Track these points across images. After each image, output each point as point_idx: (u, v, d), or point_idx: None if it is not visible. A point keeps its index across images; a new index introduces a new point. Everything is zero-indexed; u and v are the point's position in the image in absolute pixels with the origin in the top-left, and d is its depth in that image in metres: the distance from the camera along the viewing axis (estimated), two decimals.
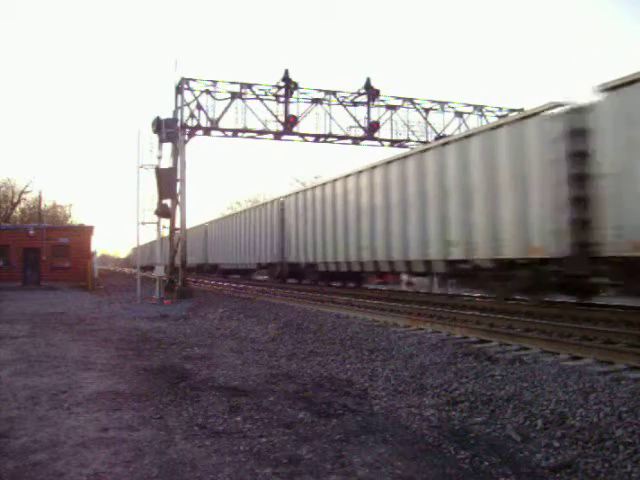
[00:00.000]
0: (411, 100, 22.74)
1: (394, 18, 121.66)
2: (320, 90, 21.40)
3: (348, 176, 18.63)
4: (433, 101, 23.18)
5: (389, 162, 16.48)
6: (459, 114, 23.38)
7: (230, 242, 32.89)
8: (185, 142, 20.08)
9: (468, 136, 13.39)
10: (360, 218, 17.62)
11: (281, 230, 24.44)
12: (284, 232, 24.16)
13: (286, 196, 24.86)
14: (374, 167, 17.23)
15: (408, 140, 22.46)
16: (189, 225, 43.31)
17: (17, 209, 55.52)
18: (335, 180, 19.61)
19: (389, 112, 22.31)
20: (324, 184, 20.52)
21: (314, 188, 21.43)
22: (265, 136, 21.35)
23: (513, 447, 3.83)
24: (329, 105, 21.49)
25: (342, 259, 18.79)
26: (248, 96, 20.56)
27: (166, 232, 20.45)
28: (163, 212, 19.04)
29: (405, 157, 15.87)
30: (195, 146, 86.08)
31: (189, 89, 20.11)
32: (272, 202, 26.73)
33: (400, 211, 15.77)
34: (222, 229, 35.53)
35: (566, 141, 10.42)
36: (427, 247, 14.46)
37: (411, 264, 15.42)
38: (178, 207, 19.90)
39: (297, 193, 23.46)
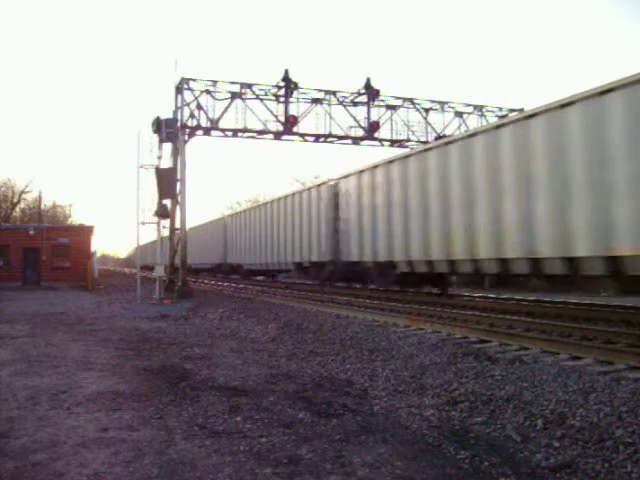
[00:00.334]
0: (411, 100, 22.75)
1: (394, 18, 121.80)
2: (320, 90, 21.42)
3: (449, 143, 13.80)
4: (433, 101, 23.20)
5: (530, 116, 11.09)
6: (459, 114, 23.39)
7: (257, 238, 27.67)
8: (185, 142, 20.09)
9: None
10: (474, 202, 12.41)
11: (334, 221, 19.32)
12: (339, 223, 19.01)
13: (343, 176, 19.29)
14: (499, 126, 12.07)
15: (408, 140, 22.48)
16: (203, 220, 42.92)
17: (17, 209, 55.57)
18: (426, 150, 14.69)
19: (389, 112, 22.32)
20: (407, 157, 15.50)
21: (390, 163, 16.18)
22: (265, 136, 21.36)
23: (513, 447, 3.83)
24: (329, 105, 21.50)
25: (440, 256, 13.68)
26: (248, 96, 20.57)
27: (166, 232, 20.47)
28: (162, 213, 19.05)
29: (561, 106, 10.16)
30: (195, 146, 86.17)
31: (189, 89, 20.12)
32: (319, 186, 20.94)
33: (521, 187, 10.98)
34: (247, 223, 29.74)
35: None
36: (570, 240, 9.83)
37: (539, 263, 10.70)
38: (178, 207, 19.90)
39: (361, 172, 17.84)
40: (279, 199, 25.29)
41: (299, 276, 26.33)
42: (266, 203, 27.46)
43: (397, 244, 15.50)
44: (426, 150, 14.68)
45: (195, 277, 39.12)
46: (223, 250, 34.23)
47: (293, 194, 23.66)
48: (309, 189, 21.96)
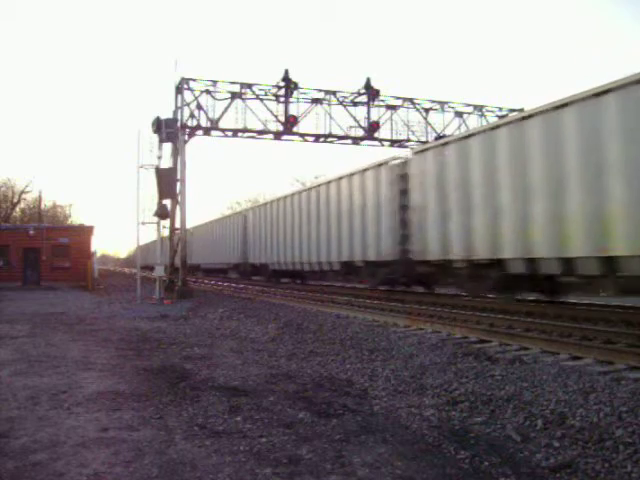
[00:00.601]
0: (411, 100, 22.75)
1: (394, 18, 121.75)
2: (320, 90, 21.41)
3: (601, 94, 9.84)
4: (433, 101, 23.20)
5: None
6: (459, 114, 23.39)
7: (289, 233, 23.60)
8: (185, 142, 20.09)
9: None
10: None
11: (400, 210, 15.68)
12: (407, 213, 15.43)
13: (416, 152, 15.46)
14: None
15: (408, 140, 22.47)
16: (210, 217, 41.48)
17: (17, 209, 55.56)
18: (561, 106, 10.61)
19: (389, 112, 22.31)
20: (524, 118, 11.66)
21: (494, 130, 12.44)
22: (265, 136, 21.36)
23: (513, 447, 3.83)
24: (329, 105, 21.49)
25: (586, 252, 10.09)
26: (248, 96, 20.57)
27: (166, 232, 20.46)
28: (162, 213, 19.05)
29: None
30: (195, 146, 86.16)
31: (189, 89, 20.13)
32: (378, 167, 16.86)
33: None
34: (275, 216, 25.67)
35: None
36: None
37: None
38: (178, 207, 19.90)
39: (443, 145, 14.19)
40: (319, 185, 21.37)
41: (347, 278, 21.79)
42: (301, 191, 23.41)
43: (506, 236, 11.80)
44: (561, 106, 10.64)
45: (200, 278, 37.83)
46: (242, 248, 30.15)
47: (339, 178, 19.47)
48: (363, 171, 17.71)
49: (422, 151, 15.18)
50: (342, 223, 18.87)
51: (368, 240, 17.17)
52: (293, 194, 24.33)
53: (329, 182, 20.43)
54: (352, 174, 18.55)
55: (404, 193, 15.56)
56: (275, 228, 25.52)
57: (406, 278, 16.43)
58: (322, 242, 20.38)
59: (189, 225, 40.92)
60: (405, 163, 15.89)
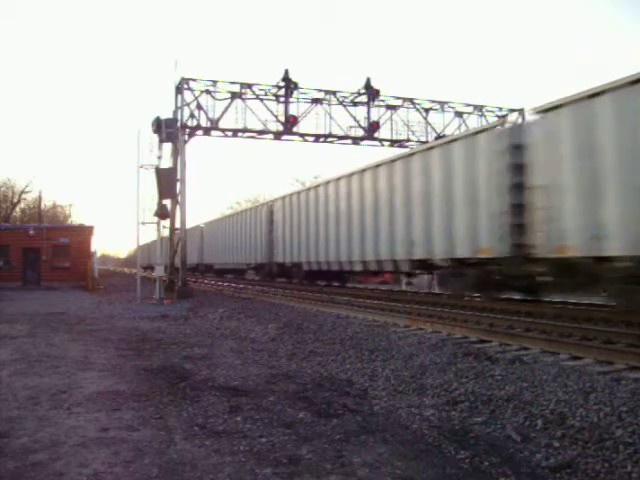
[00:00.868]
0: (411, 100, 22.76)
1: (394, 18, 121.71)
2: (320, 90, 21.42)
3: None
4: (433, 101, 23.21)
5: None
6: (459, 114, 23.40)
7: (332, 226, 19.67)
8: (185, 142, 20.10)
9: None
10: None
11: (511, 190, 11.90)
12: (522, 194, 11.71)
13: (544, 109, 10.96)
14: None
15: (408, 140, 22.48)
16: (219, 214, 40.17)
17: (17, 209, 55.53)
18: None
19: (389, 112, 22.32)
20: None
21: None
22: (265, 136, 21.37)
23: (513, 447, 3.83)
24: (329, 105, 21.51)
25: None
26: (248, 96, 20.58)
27: (166, 232, 20.46)
28: (162, 214, 19.06)
29: None
30: (195, 146, 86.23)
31: (189, 89, 20.14)
32: (474, 135, 13.22)
33: None
34: (314, 205, 21.42)
35: None
36: None
37: None
38: (178, 207, 19.91)
39: (602, 93, 9.53)
40: (378, 166, 17.07)
41: (409, 281, 17.79)
42: (351, 174, 18.82)
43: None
44: None
45: (201, 278, 37.12)
46: (268, 245, 26.31)
47: (410, 154, 15.65)
48: (449, 142, 14.05)
49: (552, 109, 10.79)
50: (413, 210, 15.05)
51: (456, 231, 13.36)
52: (339, 178, 19.78)
53: (393, 161, 16.37)
54: (430, 148, 14.85)
55: (518, 168, 11.72)
56: (313, 220, 21.36)
57: (513, 281, 12.38)
58: (382, 235, 16.53)
59: (195, 222, 41.05)
60: (520, 127, 12.14)
